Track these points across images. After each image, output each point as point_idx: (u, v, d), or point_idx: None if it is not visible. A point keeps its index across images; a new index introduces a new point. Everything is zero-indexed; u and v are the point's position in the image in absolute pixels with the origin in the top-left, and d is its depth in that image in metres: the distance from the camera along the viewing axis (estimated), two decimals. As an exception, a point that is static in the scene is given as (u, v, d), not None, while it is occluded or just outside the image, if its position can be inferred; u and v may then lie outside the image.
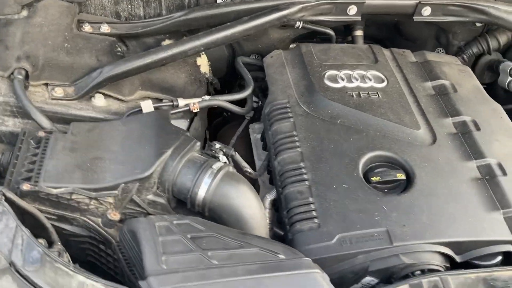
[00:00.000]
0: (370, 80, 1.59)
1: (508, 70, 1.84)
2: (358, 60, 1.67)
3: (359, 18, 1.69)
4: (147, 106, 1.43)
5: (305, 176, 1.32)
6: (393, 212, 1.25)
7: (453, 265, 1.25)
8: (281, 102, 1.52)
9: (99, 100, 1.45)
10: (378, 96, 1.54)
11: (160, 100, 1.54)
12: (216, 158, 1.29)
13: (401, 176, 1.34)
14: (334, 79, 1.58)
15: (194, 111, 1.50)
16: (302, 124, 1.46)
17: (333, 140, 1.41)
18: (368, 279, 1.21)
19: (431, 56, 1.76)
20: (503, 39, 1.88)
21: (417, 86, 1.62)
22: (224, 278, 0.99)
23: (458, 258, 1.24)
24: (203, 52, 1.75)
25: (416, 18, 1.70)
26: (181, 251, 1.04)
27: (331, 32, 1.82)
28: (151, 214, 1.23)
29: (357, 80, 1.58)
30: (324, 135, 1.43)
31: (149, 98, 1.54)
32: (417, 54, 1.77)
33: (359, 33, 1.92)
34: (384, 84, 1.59)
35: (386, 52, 1.74)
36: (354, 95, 1.53)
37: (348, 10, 1.63)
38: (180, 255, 1.03)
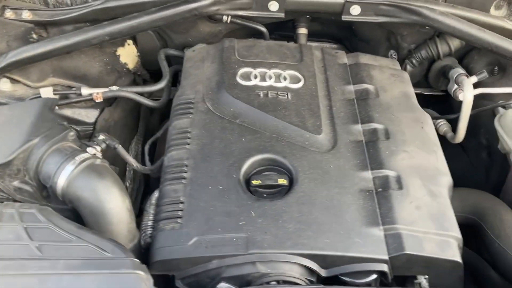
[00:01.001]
0: (286, 79, 1.52)
1: (454, 77, 1.72)
2: (282, 58, 1.60)
3: (282, 15, 1.61)
4: (47, 93, 1.44)
5: (184, 175, 1.29)
6: (260, 218, 1.19)
7: (325, 280, 1.18)
8: (187, 98, 1.48)
9: (4, 84, 1.47)
10: (287, 97, 1.47)
11: (72, 88, 1.54)
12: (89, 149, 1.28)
13: (283, 181, 1.27)
14: (247, 77, 1.52)
15: (97, 101, 1.49)
16: (200, 121, 1.42)
17: (225, 140, 1.36)
18: (224, 286, 1.16)
19: (364, 58, 1.67)
20: (454, 43, 1.75)
21: (337, 89, 1.54)
22: (42, 271, 0.98)
23: (324, 273, 1.17)
24: (131, 43, 1.74)
25: (344, 18, 1.61)
26: (10, 239, 1.04)
27: (263, 29, 1.76)
28: (18, 201, 1.23)
29: (271, 79, 1.52)
30: (218, 133, 1.38)
31: (60, 85, 1.56)
32: (350, 55, 1.68)
33: (301, 31, 1.84)
34: (300, 85, 1.51)
35: (317, 52, 1.66)
36: (262, 95, 1.47)
37: (269, 5, 1.56)
38: (8, 243, 1.03)
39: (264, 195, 1.27)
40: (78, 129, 1.53)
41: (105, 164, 1.24)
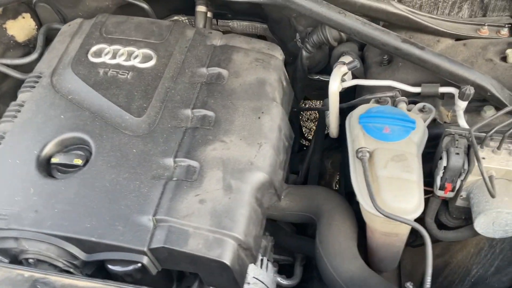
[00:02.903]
0: (136, 58, 1.48)
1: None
2: (146, 36, 1.55)
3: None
4: None
5: (-4, 146, 1.32)
6: (36, 196, 1.20)
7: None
8: (39, 71, 1.50)
9: None
10: (127, 76, 1.44)
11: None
12: None
13: (78, 161, 1.26)
14: (99, 53, 1.50)
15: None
16: (37, 95, 1.43)
17: (47, 115, 1.37)
18: (-6, 257, 1.20)
19: (237, 40, 1.57)
20: (346, 28, 1.58)
21: (188, 71, 1.47)
22: None
23: (85, 257, 1.16)
24: (27, 16, 1.78)
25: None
26: None
27: (144, 5, 1.72)
28: None
29: (121, 57, 1.48)
30: (44, 109, 1.39)
31: None
32: (225, 37, 1.59)
33: (200, 9, 1.78)
34: (149, 64, 1.47)
35: (189, 31, 1.59)
36: (102, 73, 1.45)
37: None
38: None
39: (59, 173, 1.27)
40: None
41: None
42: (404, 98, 1.37)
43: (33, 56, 1.65)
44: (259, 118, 1.37)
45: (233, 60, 1.50)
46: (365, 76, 1.58)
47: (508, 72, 1.36)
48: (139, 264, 1.14)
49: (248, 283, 1.32)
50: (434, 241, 1.52)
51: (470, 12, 1.54)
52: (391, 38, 1.35)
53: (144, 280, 1.19)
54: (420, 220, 1.34)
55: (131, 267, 1.14)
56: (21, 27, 1.77)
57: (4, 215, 1.17)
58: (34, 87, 1.46)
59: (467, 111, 1.39)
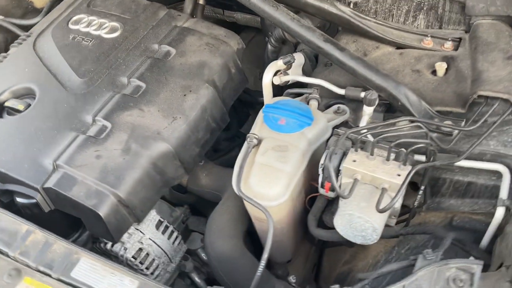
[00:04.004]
0: (104, 29, 1.66)
1: (284, 61, 1.59)
2: (123, 12, 1.72)
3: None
4: None
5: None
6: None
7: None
8: (29, 32, 1.75)
9: None
10: (89, 43, 1.62)
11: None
12: None
13: (20, 107, 1.47)
14: (78, 22, 1.71)
15: None
16: (20, 51, 1.67)
17: (17, 67, 1.60)
18: None
19: (198, 25, 1.68)
20: (304, 25, 1.61)
21: (143, 46, 1.61)
22: None
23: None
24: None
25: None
26: None
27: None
28: None
29: (93, 26, 1.67)
30: (18, 62, 1.63)
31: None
32: (191, 20, 1.71)
33: (189, -6, 1.92)
34: (113, 35, 1.64)
35: (162, 12, 1.74)
36: (71, 38, 1.65)
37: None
38: None
39: (7, 115, 1.49)
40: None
41: None
42: (317, 96, 1.38)
43: (36, 19, 1.90)
44: (184, 95, 1.47)
45: (184, 41, 1.62)
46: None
47: (431, 85, 1.31)
48: (34, 200, 1.31)
49: (142, 243, 1.43)
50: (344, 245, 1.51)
51: (427, 22, 1.49)
52: (314, 37, 1.37)
53: (50, 221, 1.36)
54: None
55: (28, 201, 1.32)
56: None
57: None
58: (21, 43, 1.70)
59: (386, 120, 1.36)
